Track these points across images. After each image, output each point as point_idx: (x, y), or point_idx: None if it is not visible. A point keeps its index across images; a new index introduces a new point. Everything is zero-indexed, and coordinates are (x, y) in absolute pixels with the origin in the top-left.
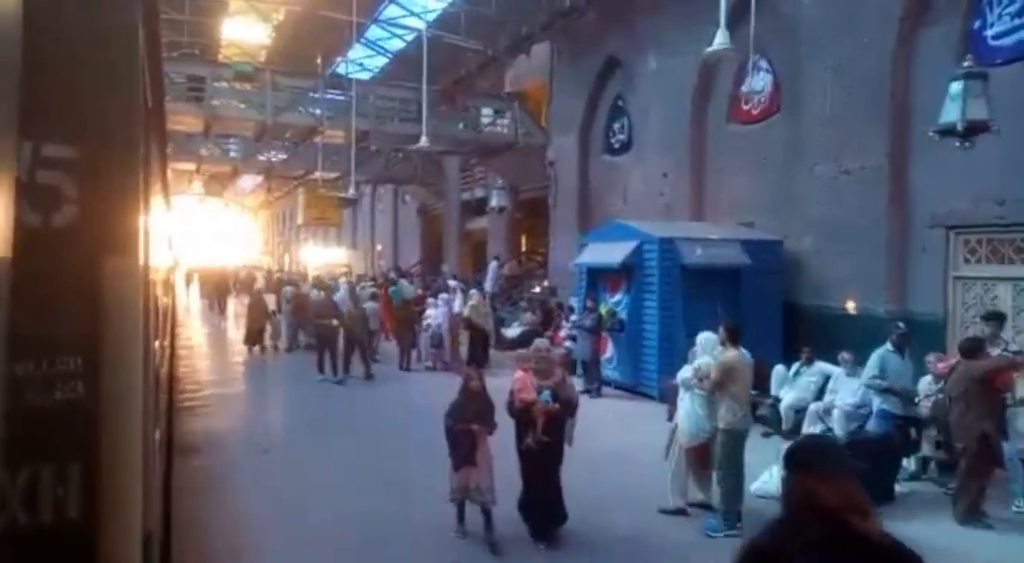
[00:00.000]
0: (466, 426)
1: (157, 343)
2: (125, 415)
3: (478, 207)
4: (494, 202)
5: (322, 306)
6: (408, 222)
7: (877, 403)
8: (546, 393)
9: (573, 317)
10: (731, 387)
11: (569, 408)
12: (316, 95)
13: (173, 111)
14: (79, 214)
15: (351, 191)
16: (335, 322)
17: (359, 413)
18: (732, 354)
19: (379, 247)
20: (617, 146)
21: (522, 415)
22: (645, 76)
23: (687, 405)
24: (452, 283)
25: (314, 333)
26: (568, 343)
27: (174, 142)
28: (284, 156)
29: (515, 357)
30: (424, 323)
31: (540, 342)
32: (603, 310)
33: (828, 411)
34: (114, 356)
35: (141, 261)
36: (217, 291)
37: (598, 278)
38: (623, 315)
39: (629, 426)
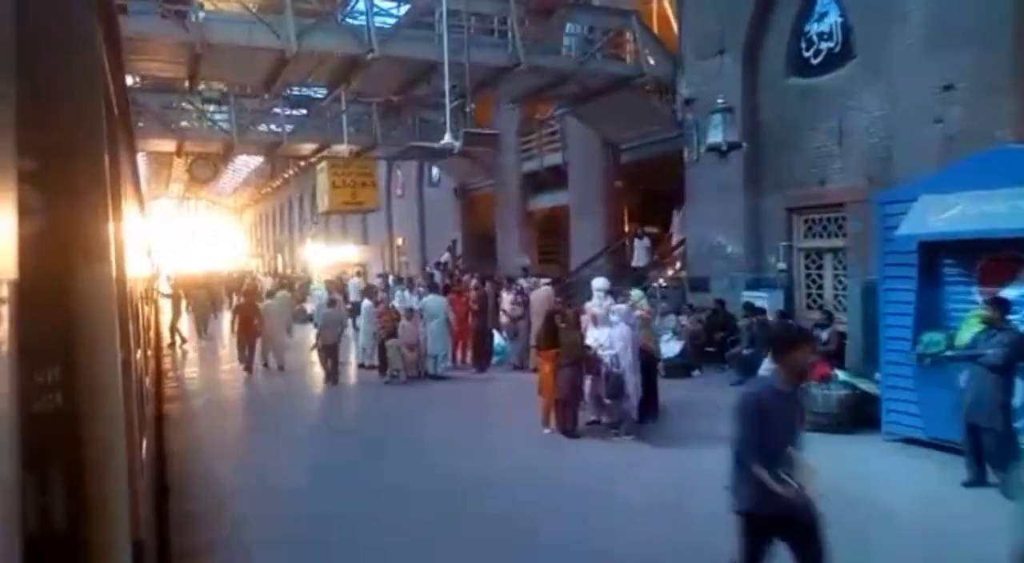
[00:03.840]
0: None
1: (139, 352)
2: (106, 420)
3: (550, 178)
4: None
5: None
6: (440, 208)
7: None
8: None
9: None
10: None
11: None
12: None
13: (144, 36)
14: (44, 225)
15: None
16: None
17: None
18: None
19: (399, 241)
20: (818, 61)
21: None
22: None
23: None
24: (601, 282)
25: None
26: (843, 374)
27: (148, 112)
28: (291, 128)
29: None
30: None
31: None
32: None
33: None
34: (90, 363)
35: (113, 268)
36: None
37: (945, 258)
38: None
39: None
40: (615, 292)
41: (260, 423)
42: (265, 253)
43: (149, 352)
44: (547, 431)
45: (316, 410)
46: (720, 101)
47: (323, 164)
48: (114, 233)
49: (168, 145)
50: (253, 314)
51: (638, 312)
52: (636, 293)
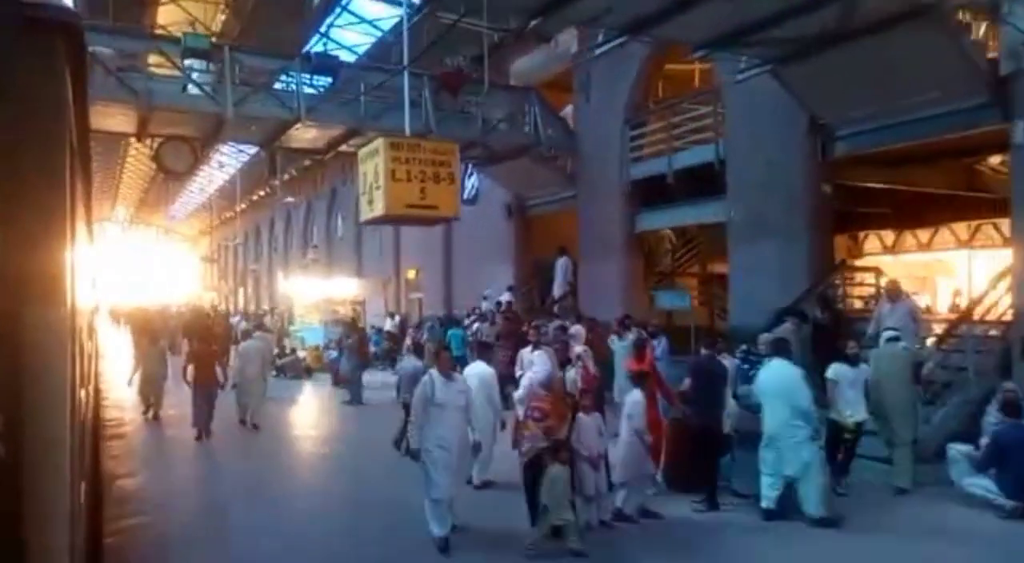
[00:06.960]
0: None
1: (83, 391)
2: (50, 476)
3: (683, 186)
4: None
5: None
6: (477, 230)
7: None
8: None
9: None
10: None
11: None
12: None
13: None
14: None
15: None
16: None
17: None
18: None
19: (410, 274)
20: None
21: None
22: None
23: None
24: None
25: None
26: None
27: (99, 65)
28: (307, 106)
29: None
30: None
31: None
32: None
33: None
34: (38, 414)
35: (68, 311)
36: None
37: None
38: None
39: None
40: None
41: None
42: (224, 286)
43: (90, 387)
44: None
45: None
46: None
47: (376, 144)
48: (70, 275)
49: (125, 120)
50: (213, 362)
51: None
52: None
